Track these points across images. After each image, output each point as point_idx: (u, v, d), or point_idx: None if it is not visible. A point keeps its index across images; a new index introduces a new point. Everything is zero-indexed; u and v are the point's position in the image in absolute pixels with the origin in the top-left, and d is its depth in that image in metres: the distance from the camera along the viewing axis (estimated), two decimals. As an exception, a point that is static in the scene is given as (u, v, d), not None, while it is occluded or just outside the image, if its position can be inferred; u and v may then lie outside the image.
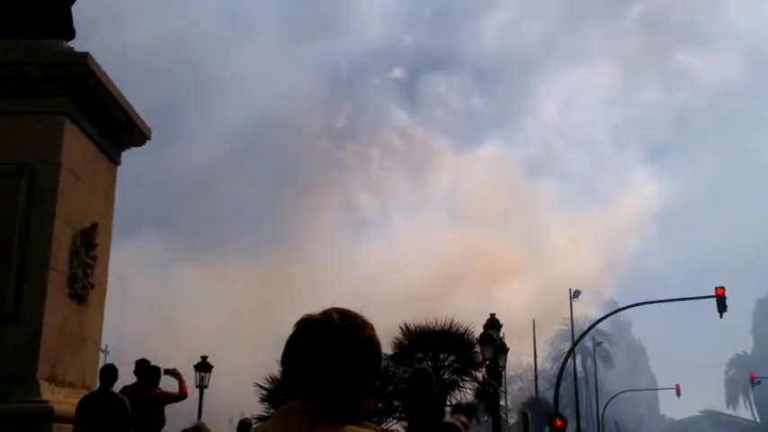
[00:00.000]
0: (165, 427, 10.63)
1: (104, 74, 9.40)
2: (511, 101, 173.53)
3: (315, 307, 1.81)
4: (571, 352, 36.09)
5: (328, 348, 1.71)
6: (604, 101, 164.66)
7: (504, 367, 26.14)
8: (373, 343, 1.78)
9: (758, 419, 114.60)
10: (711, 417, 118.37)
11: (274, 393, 19.88)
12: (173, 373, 11.21)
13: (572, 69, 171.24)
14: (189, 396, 11.78)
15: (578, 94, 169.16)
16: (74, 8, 9.95)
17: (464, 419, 6.99)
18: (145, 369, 10.62)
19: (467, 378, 22.60)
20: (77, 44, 9.70)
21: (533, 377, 53.48)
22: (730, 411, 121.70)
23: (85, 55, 9.08)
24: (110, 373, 9.02)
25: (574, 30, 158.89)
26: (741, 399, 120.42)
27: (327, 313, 1.77)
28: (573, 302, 47.35)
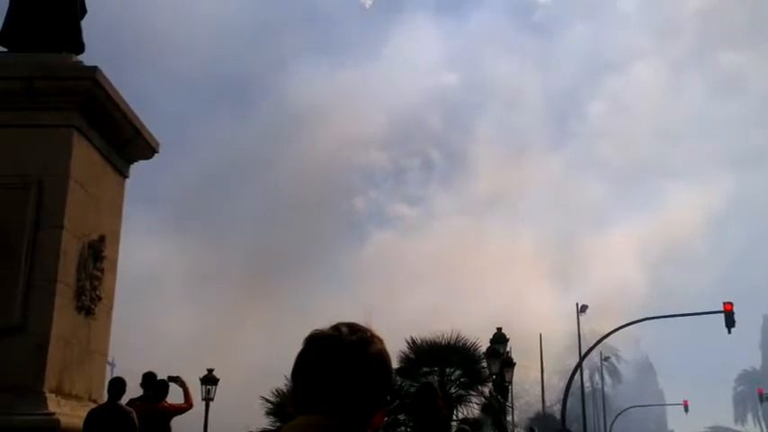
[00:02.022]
0: None
1: (113, 87, 9.45)
2: (554, 104, 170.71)
3: (325, 321, 1.81)
4: (578, 367, 35.94)
5: (337, 363, 1.70)
6: (651, 105, 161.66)
7: (510, 382, 26.04)
8: (383, 357, 1.77)
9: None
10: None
11: (280, 407, 19.86)
12: (177, 381, 10.93)
13: (617, 71, 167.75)
14: (195, 408, 11.71)
15: (624, 96, 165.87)
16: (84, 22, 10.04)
17: (467, 429, 7.01)
18: (152, 382, 10.59)
19: (473, 393, 22.53)
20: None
21: (540, 392, 53.25)
22: (738, 427, 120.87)
23: (94, 69, 9.14)
24: (118, 386, 9.02)
25: (621, 30, 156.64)
26: (750, 415, 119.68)
27: (336, 328, 1.77)
28: (580, 317, 47.38)
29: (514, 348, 26.82)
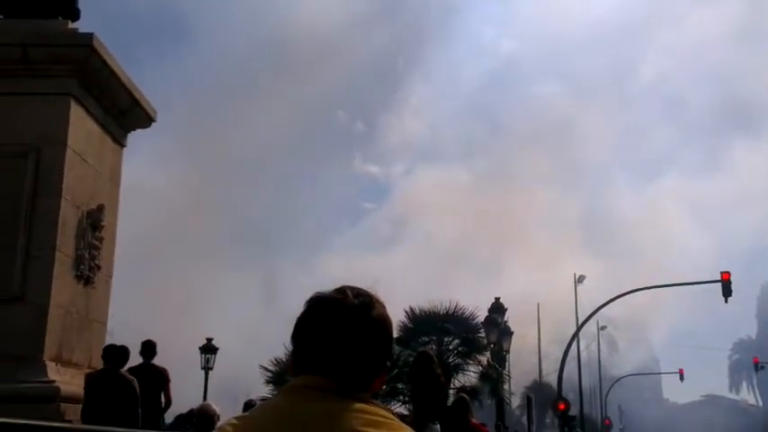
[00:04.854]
0: (173, 408, 10.63)
1: (109, 55, 9.36)
2: (608, 65, 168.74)
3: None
4: (575, 336, 36.13)
5: (339, 326, 1.68)
6: (700, 74, 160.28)
7: (508, 351, 26.20)
8: (384, 321, 1.75)
9: (761, 404, 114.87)
10: (714, 401, 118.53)
11: (279, 375, 19.98)
12: None
13: (673, 31, 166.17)
14: (194, 378, 11.67)
15: (678, 58, 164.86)
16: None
17: (465, 396, 7.05)
18: (145, 349, 10.55)
19: (471, 361, 22.68)
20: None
21: (537, 360, 53.65)
22: (733, 396, 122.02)
23: (90, 36, 9.04)
24: (121, 353, 9.05)
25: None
26: (744, 383, 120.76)
27: (341, 290, 1.75)
28: (578, 287, 47.63)
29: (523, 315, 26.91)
